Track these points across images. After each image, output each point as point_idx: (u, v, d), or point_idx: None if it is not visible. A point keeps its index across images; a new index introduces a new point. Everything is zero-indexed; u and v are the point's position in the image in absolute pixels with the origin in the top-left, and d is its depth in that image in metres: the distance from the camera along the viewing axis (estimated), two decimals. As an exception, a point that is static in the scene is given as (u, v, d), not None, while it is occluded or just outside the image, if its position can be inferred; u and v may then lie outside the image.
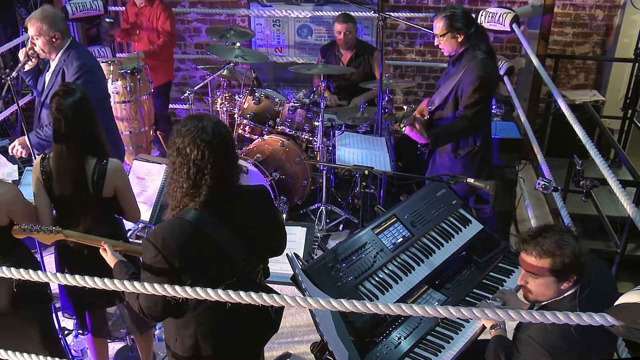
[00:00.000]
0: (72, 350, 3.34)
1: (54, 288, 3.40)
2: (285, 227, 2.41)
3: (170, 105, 6.07)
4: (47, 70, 3.53)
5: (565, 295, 2.07)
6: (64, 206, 2.71)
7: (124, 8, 5.83)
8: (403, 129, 3.26)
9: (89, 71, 3.42)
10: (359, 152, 4.01)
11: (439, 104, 3.45)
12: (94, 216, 2.70)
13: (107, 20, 5.35)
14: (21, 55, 3.51)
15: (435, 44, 3.39)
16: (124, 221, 2.96)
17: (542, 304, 2.16)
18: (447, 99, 3.40)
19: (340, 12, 5.18)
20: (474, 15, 4.73)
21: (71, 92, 2.64)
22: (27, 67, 3.54)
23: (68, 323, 3.57)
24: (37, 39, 3.38)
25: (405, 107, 3.37)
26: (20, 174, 3.63)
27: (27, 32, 3.39)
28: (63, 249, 2.79)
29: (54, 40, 3.38)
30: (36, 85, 3.62)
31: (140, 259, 2.14)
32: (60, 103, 2.59)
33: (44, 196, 2.68)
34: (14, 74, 3.44)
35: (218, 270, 2.08)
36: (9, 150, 3.51)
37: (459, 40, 3.29)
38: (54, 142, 2.66)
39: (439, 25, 3.30)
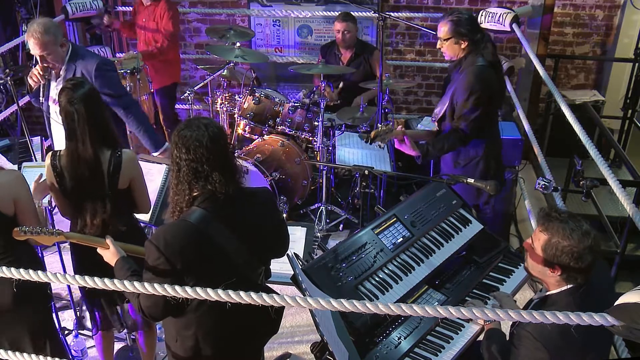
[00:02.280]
0: (72, 350, 3.34)
1: (55, 287, 3.40)
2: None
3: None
4: (54, 80, 3.43)
5: (562, 289, 2.08)
6: (78, 202, 2.70)
7: (124, 8, 5.83)
8: (383, 147, 3.19)
9: (110, 64, 3.46)
10: (359, 152, 4.02)
11: (441, 115, 3.35)
12: (110, 210, 2.69)
13: (100, 10, 5.25)
14: (32, 79, 3.36)
15: (437, 47, 3.30)
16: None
17: (542, 296, 2.18)
18: (447, 109, 3.29)
19: (340, 11, 5.18)
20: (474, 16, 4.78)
21: (80, 84, 2.63)
22: (34, 86, 3.43)
23: (68, 323, 3.57)
24: (49, 55, 3.25)
25: (379, 125, 3.24)
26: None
27: (36, 33, 3.26)
28: (79, 248, 2.78)
29: (62, 47, 3.29)
30: (39, 102, 3.50)
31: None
32: (71, 96, 2.58)
33: (57, 193, 2.70)
34: (40, 99, 3.38)
35: (220, 271, 2.08)
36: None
37: (462, 46, 3.19)
38: (67, 138, 2.63)
39: (443, 29, 3.20)
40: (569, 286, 2.07)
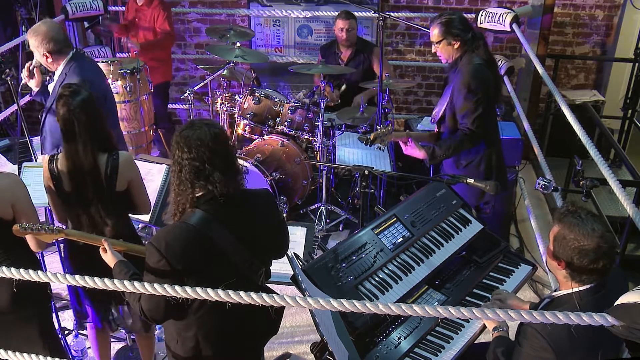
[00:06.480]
0: (72, 350, 3.34)
1: (55, 287, 3.40)
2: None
3: (170, 105, 6.06)
4: (52, 81, 3.50)
5: (571, 291, 2.07)
6: (76, 205, 2.70)
7: (124, 8, 5.82)
8: (383, 149, 3.21)
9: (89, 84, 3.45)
10: (359, 152, 4.02)
11: (440, 116, 3.37)
12: (107, 212, 2.70)
13: (108, 17, 5.35)
14: (24, 73, 3.49)
15: (433, 50, 3.34)
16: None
17: (552, 295, 2.17)
18: (446, 110, 3.31)
19: (341, 10, 5.18)
20: (473, 16, 4.78)
21: (77, 91, 2.64)
22: (34, 87, 3.52)
23: (68, 323, 3.57)
24: (34, 52, 3.37)
25: (378, 127, 3.25)
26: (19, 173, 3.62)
27: (27, 32, 3.38)
28: (74, 247, 2.78)
29: (45, 57, 3.34)
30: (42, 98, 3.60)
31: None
32: (69, 103, 2.59)
33: (54, 197, 2.70)
34: (25, 96, 3.51)
35: (221, 273, 2.08)
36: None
37: (455, 47, 3.23)
38: (65, 143, 2.64)
39: (434, 32, 3.26)
40: (580, 288, 2.05)
